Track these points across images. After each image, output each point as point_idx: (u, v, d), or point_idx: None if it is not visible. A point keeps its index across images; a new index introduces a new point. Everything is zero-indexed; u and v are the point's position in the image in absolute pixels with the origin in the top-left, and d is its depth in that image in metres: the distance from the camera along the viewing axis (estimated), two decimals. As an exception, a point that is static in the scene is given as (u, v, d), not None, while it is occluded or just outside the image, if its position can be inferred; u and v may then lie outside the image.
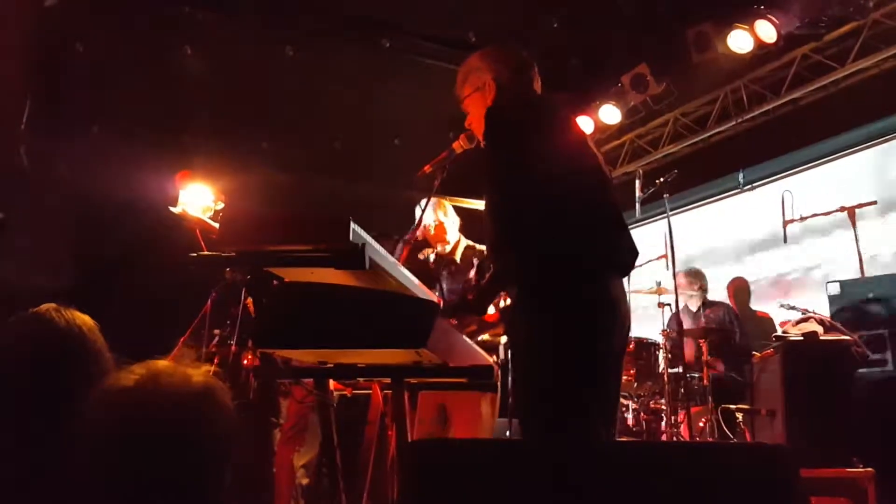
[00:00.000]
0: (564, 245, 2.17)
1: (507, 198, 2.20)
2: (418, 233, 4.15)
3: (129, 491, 1.14)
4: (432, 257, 4.23)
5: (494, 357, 3.33)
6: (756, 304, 6.29)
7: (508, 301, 3.73)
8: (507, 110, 2.37)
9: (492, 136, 2.31)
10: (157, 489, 1.14)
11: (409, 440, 2.13)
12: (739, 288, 6.29)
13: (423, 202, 4.12)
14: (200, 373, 1.24)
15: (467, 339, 2.38)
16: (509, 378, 3.54)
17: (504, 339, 3.87)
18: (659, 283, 5.43)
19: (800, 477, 1.22)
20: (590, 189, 2.28)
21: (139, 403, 1.18)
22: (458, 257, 4.20)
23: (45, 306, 1.63)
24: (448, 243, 4.21)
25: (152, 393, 1.18)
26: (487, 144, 2.35)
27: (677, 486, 1.17)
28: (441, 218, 4.21)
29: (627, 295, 2.68)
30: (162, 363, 1.24)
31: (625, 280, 2.44)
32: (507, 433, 5.07)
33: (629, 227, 2.41)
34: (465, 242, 4.25)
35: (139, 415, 1.16)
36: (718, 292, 6.73)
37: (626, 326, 2.30)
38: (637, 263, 2.42)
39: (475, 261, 4.12)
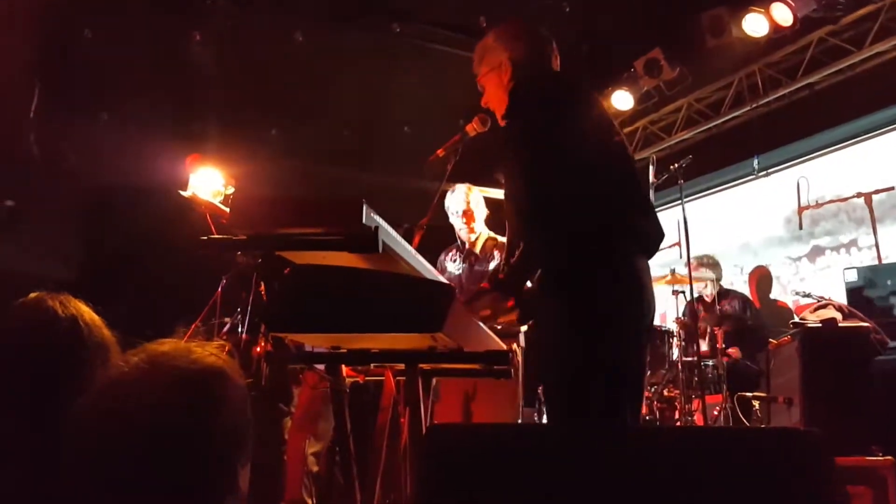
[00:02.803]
0: (594, 226, 2.13)
1: (536, 176, 2.15)
2: (458, 214, 4.16)
3: (129, 490, 1.04)
4: (458, 263, 4.24)
5: (515, 344, 3.29)
6: (772, 292, 6.24)
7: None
8: (536, 85, 2.33)
9: (520, 111, 2.27)
10: (160, 486, 1.05)
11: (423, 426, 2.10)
12: (762, 277, 6.25)
13: (456, 190, 4.17)
14: (207, 353, 1.14)
15: (482, 325, 2.34)
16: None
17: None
18: (673, 271, 5.37)
19: (834, 463, 1.18)
20: (617, 169, 2.24)
21: (133, 394, 1.07)
22: (478, 249, 4.19)
23: (37, 294, 1.59)
24: (473, 232, 4.20)
25: (150, 381, 1.08)
26: (515, 120, 2.30)
27: (709, 471, 1.13)
28: (472, 206, 4.20)
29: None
30: (165, 345, 1.13)
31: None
32: (535, 418, 5.04)
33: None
34: (486, 234, 4.23)
35: (133, 407, 1.06)
36: (732, 280, 6.67)
37: (652, 309, 2.26)
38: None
39: (496, 253, 4.11)
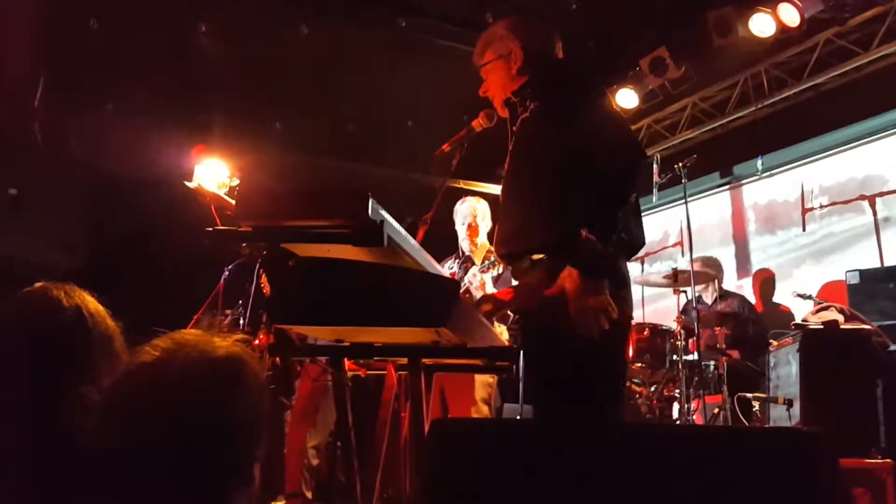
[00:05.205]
0: (596, 223, 2.13)
1: (557, 166, 2.15)
2: (464, 225, 4.23)
3: (146, 476, 1.05)
4: (455, 269, 4.27)
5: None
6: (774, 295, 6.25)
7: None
8: (571, 70, 2.35)
9: (549, 92, 2.26)
10: (177, 475, 1.05)
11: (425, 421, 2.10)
12: (766, 280, 6.26)
13: (465, 201, 4.22)
14: (228, 344, 1.15)
15: (485, 320, 2.34)
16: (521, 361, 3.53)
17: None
18: (675, 270, 5.37)
19: (839, 464, 1.18)
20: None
21: (161, 374, 1.09)
22: (477, 259, 4.21)
23: (41, 284, 1.60)
24: (475, 245, 4.26)
25: (174, 368, 1.09)
26: (542, 100, 2.30)
27: (712, 470, 1.13)
28: (479, 220, 4.27)
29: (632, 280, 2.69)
30: (188, 335, 1.15)
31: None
32: (518, 417, 5.06)
33: (647, 213, 2.41)
34: (488, 246, 4.26)
35: (162, 386, 1.08)
36: (734, 281, 6.67)
37: (632, 310, 2.34)
38: (654, 250, 2.43)
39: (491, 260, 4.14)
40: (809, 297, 4.85)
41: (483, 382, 4.05)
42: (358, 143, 6.91)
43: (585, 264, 2.03)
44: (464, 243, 4.33)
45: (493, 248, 4.18)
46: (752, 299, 6.28)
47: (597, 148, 2.10)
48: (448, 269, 4.30)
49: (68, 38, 5.49)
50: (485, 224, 4.33)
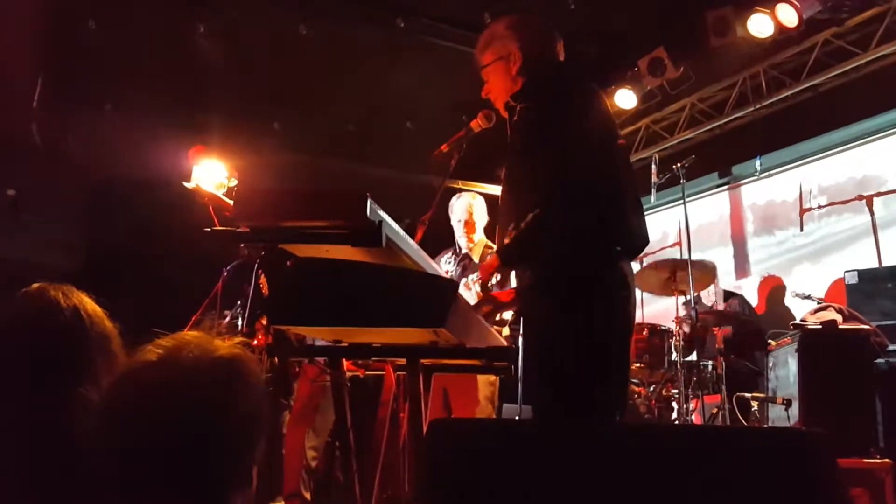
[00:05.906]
0: (595, 225, 2.14)
1: (553, 166, 2.15)
2: (460, 222, 4.21)
3: (146, 476, 1.06)
4: (451, 265, 4.26)
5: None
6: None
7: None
8: (559, 74, 2.35)
9: (540, 96, 2.27)
10: (177, 475, 1.06)
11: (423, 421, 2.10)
12: (776, 287, 6.30)
13: (461, 197, 4.22)
14: (229, 345, 1.16)
15: (483, 321, 2.34)
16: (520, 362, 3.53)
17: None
18: (673, 271, 5.36)
19: (837, 464, 1.18)
20: (619, 169, 2.26)
21: (158, 381, 1.10)
22: (475, 256, 4.20)
23: (39, 285, 1.60)
24: (472, 241, 4.25)
25: (174, 369, 1.10)
26: (535, 104, 2.30)
27: (711, 470, 1.13)
28: (475, 217, 4.25)
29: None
30: (189, 336, 1.16)
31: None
32: (517, 418, 5.06)
33: (645, 213, 2.41)
34: (484, 242, 4.25)
35: (158, 393, 1.08)
36: (732, 281, 6.67)
37: (635, 310, 2.33)
38: (652, 250, 2.44)
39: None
40: (809, 297, 4.86)
41: (486, 381, 4.04)
42: (357, 143, 6.91)
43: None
44: (461, 240, 4.31)
45: (491, 245, 4.19)
46: (753, 299, 6.29)
47: (571, 172, 2.14)
48: (445, 263, 4.29)
49: (67, 39, 5.49)
50: (481, 221, 4.32)
